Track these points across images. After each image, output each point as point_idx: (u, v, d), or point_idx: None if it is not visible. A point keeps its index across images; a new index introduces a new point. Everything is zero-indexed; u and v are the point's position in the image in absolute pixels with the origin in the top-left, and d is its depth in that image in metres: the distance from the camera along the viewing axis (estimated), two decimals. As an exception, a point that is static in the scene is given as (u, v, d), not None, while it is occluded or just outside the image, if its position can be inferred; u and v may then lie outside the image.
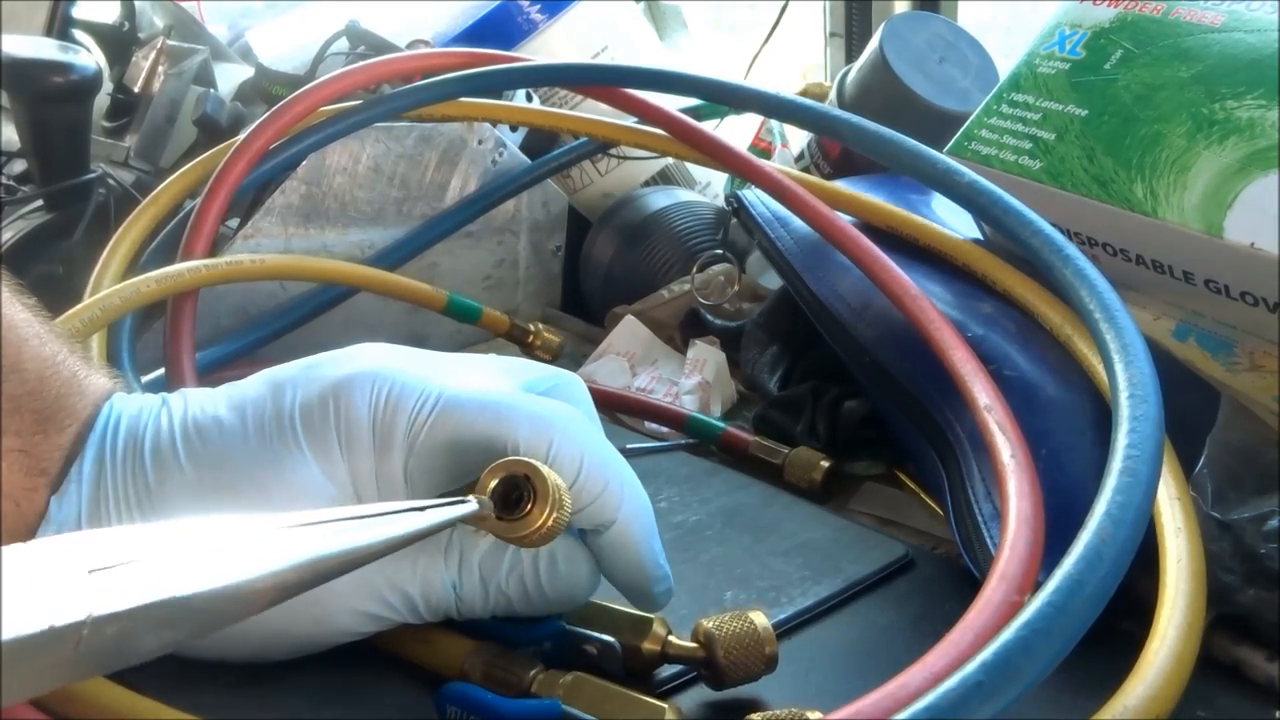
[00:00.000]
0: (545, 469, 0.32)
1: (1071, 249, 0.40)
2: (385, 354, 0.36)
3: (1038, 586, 0.33)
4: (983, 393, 0.42)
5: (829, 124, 0.58)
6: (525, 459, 0.33)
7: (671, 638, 0.35)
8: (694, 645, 0.35)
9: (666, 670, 0.36)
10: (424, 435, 0.34)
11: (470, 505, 0.30)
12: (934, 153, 0.50)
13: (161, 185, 0.63)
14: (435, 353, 0.38)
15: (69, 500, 0.33)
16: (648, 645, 0.35)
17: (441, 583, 0.35)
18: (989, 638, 0.28)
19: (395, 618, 0.35)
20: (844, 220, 0.55)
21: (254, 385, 0.36)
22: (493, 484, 0.32)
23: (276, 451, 0.34)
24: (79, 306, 0.49)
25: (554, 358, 0.68)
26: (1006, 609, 0.30)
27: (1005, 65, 0.58)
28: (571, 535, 0.36)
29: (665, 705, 0.32)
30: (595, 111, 0.70)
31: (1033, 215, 0.42)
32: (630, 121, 0.68)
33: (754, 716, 0.31)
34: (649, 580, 0.36)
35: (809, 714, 0.31)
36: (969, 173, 0.46)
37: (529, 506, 0.32)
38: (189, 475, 0.34)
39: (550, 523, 0.32)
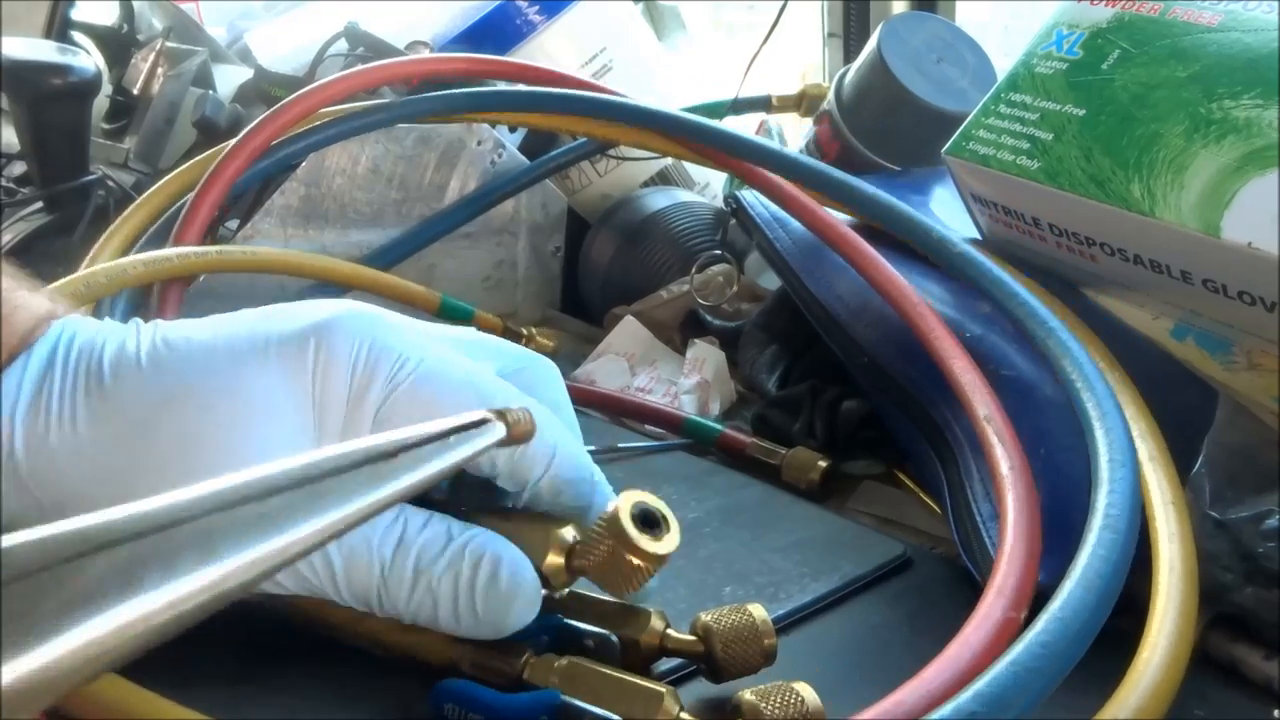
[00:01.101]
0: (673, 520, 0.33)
1: (1055, 321, 0.41)
2: (368, 308, 0.35)
3: (1040, 588, 0.34)
4: (983, 404, 0.42)
5: (817, 177, 0.57)
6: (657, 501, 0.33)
7: (669, 631, 0.35)
8: (692, 638, 0.35)
9: (664, 664, 0.36)
10: (401, 394, 0.33)
11: (497, 430, 0.26)
12: (928, 221, 0.49)
13: (158, 184, 0.62)
14: (413, 320, 0.36)
15: (11, 373, 0.32)
16: (645, 639, 0.35)
17: (369, 558, 0.32)
18: (986, 654, 0.29)
19: (314, 581, 0.32)
20: (838, 221, 0.55)
21: (235, 314, 0.35)
22: (633, 504, 0.33)
23: (247, 366, 0.33)
24: (63, 280, 0.47)
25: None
26: (1004, 625, 0.31)
27: (1003, 65, 0.58)
28: (519, 551, 0.34)
29: (664, 690, 0.32)
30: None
31: (1019, 288, 0.43)
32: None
33: (745, 692, 0.32)
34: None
35: (796, 685, 0.32)
36: (962, 243, 0.46)
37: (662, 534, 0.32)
38: (147, 374, 0.32)
39: (655, 558, 0.32)
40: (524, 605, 0.33)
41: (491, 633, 0.33)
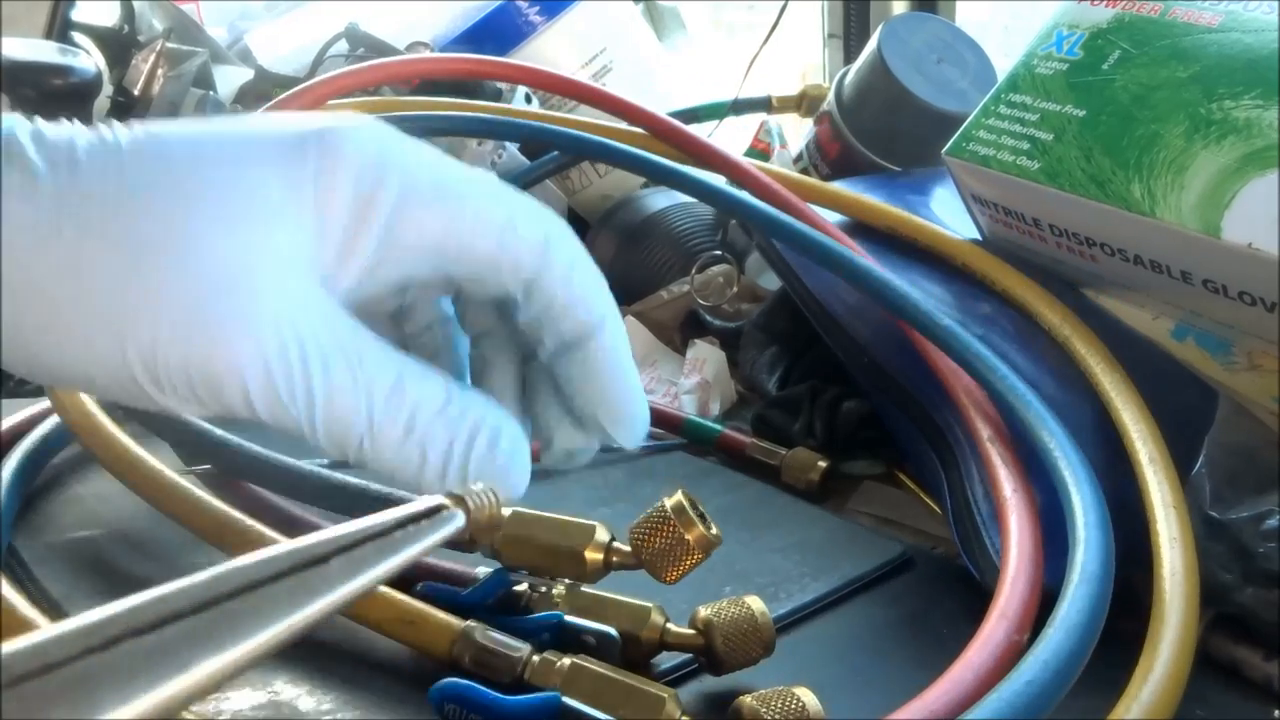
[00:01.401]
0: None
1: (1032, 396, 0.42)
2: (379, 122, 0.31)
3: (1044, 593, 0.34)
4: (986, 425, 0.43)
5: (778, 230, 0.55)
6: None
7: (669, 626, 0.36)
8: (692, 632, 0.35)
9: (665, 663, 0.36)
10: (418, 201, 0.29)
11: (454, 520, 0.22)
12: (916, 297, 0.49)
13: None
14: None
15: None
16: (646, 633, 0.35)
17: (356, 397, 0.28)
18: (990, 676, 0.30)
19: (289, 409, 0.28)
20: (821, 217, 0.56)
21: (223, 118, 0.30)
22: (689, 499, 0.36)
23: (238, 162, 0.28)
24: None
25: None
26: (1007, 648, 0.32)
27: (1003, 65, 0.58)
28: (520, 426, 0.31)
29: (666, 695, 0.32)
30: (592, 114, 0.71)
31: (997, 362, 0.44)
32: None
33: (745, 697, 0.32)
34: (632, 395, 0.31)
35: (796, 689, 0.32)
36: (945, 319, 0.46)
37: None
38: (128, 158, 0.28)
39: (709, 541, 0.36)
40: (516, 481, 0.30)
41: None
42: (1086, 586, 0.33)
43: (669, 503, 0.36)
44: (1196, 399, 0.46)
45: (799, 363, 0.60)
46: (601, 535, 0.36)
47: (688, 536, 0.35)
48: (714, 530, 0.36)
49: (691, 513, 0.36)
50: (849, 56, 1.02)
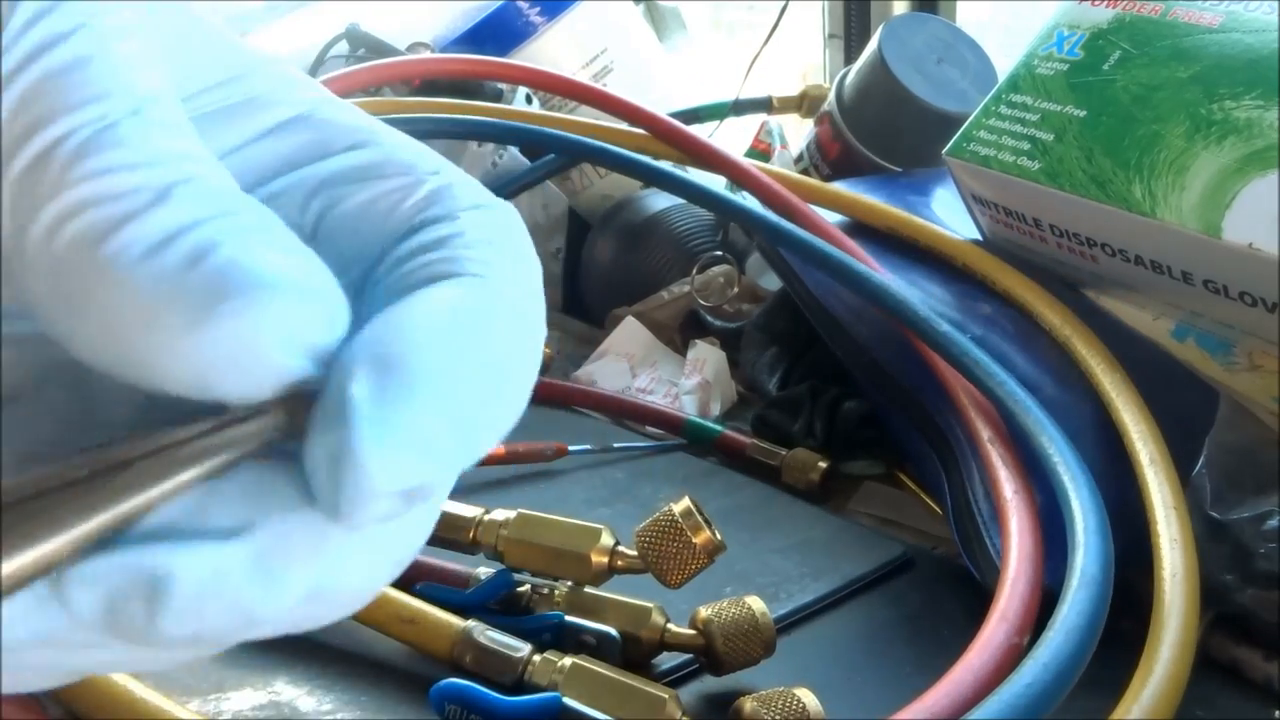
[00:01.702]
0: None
1: (1031, 401, 0.42)
2: None
3: (1045, 593, 0.34)
4: (986, 426, 0.43)
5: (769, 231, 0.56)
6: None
7: (670, 626, 0.36)
8: (692, 633, 0.35)
9: (666, 664, 0.36)
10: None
11: (266, 419, 0.16)
12: (915, 302, 0.49)
13: None
14: None
15: None
16: (646, 634, 0.35)
17: None
18: (989, 678, 0.31)
19: None
20: (822, 218, 0.56)
21: None
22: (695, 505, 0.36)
23: None
24: None
25: (543, 370, 0.68)
26: (1007, 650, 0.32)
27: (1004, 65, 0.58)
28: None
29: (666, 695, 0.32)
30: (593, 114, 0.71)
31: (996, 367, 0.44)
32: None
33: (746, 698, 0.32)
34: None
35: (796, 690, 0.32)
36: (944, 325, 0.46)
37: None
38: None
39: (715, 545, 0.36)
40: (281, 300, 0.15)
41: (182, 327, 0.14)
42: (1086, 590, 0.33)
43: (676, 508, 0.36)
44: (1197, 399, 0.45)
45: (799, 363, 0.60)
46: (606, 539, 0.37)
47: (695, 541, 0.35)
48: (718, 535, 0.36)
49: (699, 517, 0.36)
50: (849, 57, 1.02)
